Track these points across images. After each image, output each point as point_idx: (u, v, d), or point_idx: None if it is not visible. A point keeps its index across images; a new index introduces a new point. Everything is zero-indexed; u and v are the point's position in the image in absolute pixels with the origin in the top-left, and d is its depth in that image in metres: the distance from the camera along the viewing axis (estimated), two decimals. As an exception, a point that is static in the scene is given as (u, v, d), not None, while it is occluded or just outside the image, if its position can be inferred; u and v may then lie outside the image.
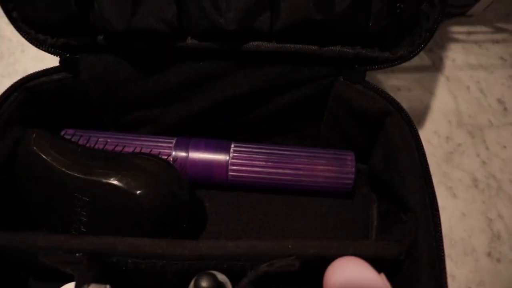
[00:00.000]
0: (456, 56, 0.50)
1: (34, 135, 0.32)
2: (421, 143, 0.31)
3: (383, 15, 0.30)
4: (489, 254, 0.40)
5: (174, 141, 0.37)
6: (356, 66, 0.33)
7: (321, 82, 0.34)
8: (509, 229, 0.41)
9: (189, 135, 0.37)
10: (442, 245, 0.27)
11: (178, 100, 0.35)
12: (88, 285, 0.24)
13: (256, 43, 0.31)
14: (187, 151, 0.37)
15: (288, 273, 0.26)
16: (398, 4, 0.29)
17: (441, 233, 0.27)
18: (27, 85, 0.32)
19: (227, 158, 0.37)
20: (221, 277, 0.26)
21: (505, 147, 0.45)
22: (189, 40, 0.31)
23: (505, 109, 0.47)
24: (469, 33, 0.51)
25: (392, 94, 0.32)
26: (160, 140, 0.37)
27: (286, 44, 0.31)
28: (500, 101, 0.47)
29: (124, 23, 0.29)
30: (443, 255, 0.27)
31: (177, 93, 0.35)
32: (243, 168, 0.37)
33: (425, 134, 0.45)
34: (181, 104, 0.36)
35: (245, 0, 0.29)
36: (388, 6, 0.30)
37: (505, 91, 0.48)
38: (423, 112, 0.46)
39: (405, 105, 0.32)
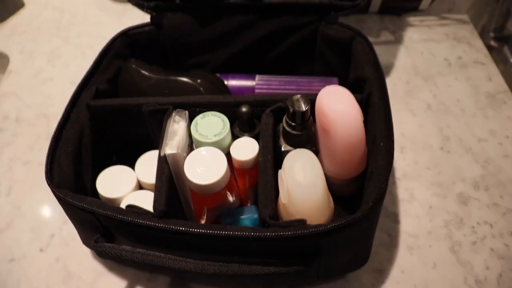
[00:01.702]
0: (413, 35, 0.70)
1: (133, 60, 0.52)
2: (375, 51, 0.49)
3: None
4: (441, 148, 0.56)
5: (218, 76, 0.56)
6: (332, 12, 0.52)
7: (310, 27, 0.53)
8: (456, 134, 0.58)
9: (228, 71, 0.56)
10: (388, 98, 0.44)
11: (222, 45, 0.55)
12: (174, 114, 0.43)
13: (269, -1, 0.52)
14: (227, 81, 0.56)
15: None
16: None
17: (386, 91, 0.44)
18: (129, 33, 0.53)
19: (253, 84, 0.55)
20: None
21: (450, 86, 0.63)
22: (230, -1, 0.52)
23: (449, 64, 0.66)
24: (422, 21, 0.72)
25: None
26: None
27: (287, -2, 0.52)
28: (445, 59, 0.66)
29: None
30: (389, 104, 0.43)
31: (221, 40, 0.54)
32: (264, 90, 0.55)
33: (392, 80, 0.63)
34: (224, 49, 0.55)
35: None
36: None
37: (449, 54, 0.67)
38: (391, 68, 0.65)
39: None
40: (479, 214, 0.50)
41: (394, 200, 0.51)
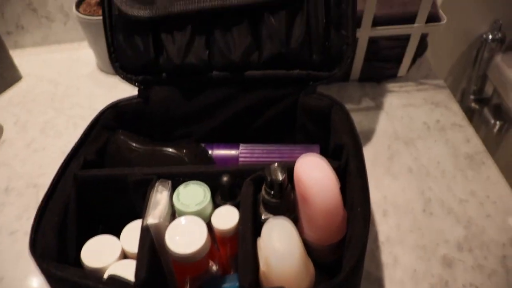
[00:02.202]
0: (392, 101, 0.73)
1: (120, 131, 0.54)
2: (351, 119, 0.51)
3: (320, 50, 0.53)
4: (424, 211, 0.57)
5: (203, 146, 0.58)
6: (310, 83, 0.55)
7: (291, 98, 0.56)
8: (437, 196, 0.59)
9: (212, 141, 0.58)
10: (364, 165, 0.45)
11: (207, 117, 0.57)
12: (157, 184, 0.44)
13: (250, 72, 0.54)
14: (212, 150, 0.57)
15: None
16: (326, 43, 0.53)
17: (362, 158, 0.46)
18: (117, 106, 0.55)
19: (237, 153, 0.57)
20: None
21: (429, 148, 0.65)
22: (214, 72, 0.55)
23: (428, 127, 0.68)
24: (401, 87, 0.75)
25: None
26: (194, 145, 0.59)
27: (267, 71, 0.54)
28: (424, 123, 0.69)
29: (179, 60, 0.52)
30: (365, 170, 0.45)
31: (206, 111, 0.57)
32: (248, 159, 0.57)
33: (373, 145, 0.66)
34: (209, 120, 0.58)
35: (244, 45, 0.52)
36: (322, 45, 0.53)
37: (427, 118, 0.69)
38: (372, 134, 0.67)
39: (359, 130, 0.51)
40: (464, 276, 0.50)
41: (378, 265, 0.51)
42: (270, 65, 0.54)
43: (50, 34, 0.92)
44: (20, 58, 0.90)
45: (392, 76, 0.75)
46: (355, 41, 0.54)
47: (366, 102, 0.73)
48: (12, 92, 0.83)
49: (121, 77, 0.55)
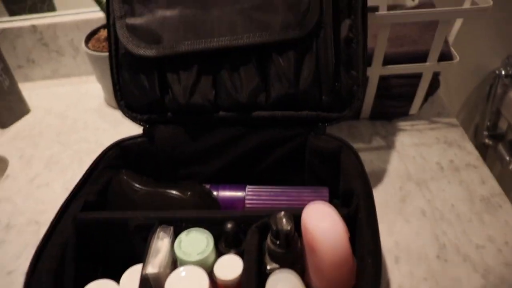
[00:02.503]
0: (404, 140, 0.71)
1: (124, 171, 0.52)
2: (362, 162, 0.49)
3: (330, 91, 0.52)
4: (438, 257, 0.54)
5: (209, 186, 0.56)
6: (320, 124, 0.54)
7: (299, 139, 0.55)
8: (452, 241, 0.56)
9: (218, 182, 0.57)
10: (375, 213, 0.43)
11: (213, 157, 0.56)
12: (159, 230, 0.42)
13: (258, 112, 0.53)
14: (217, 192, 0.56)
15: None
16: (336, 84, 0.52)
17: (373, 205, 0.44)
18: (121, 144, 0.54)
19: (244, 195, 0.55)
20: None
21: (443, 190, 0.62)
22: (221, 113, 0.53)
23: (441, 168, 0.66)
24: (413, 125, 0.73)
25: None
26: (199, 186, 0.57)
27: (275, 112, 0.53)
28: (437, 163, 0.66)
29: (185, 100, 0.51)
30: (376, 218, 0.43)
31: (212, 151, 0.55)
32: (255, 202, 0.55)
33: (384, 186, 0.63)
34: (214, 160, 0.56)
35: (251, 86, 0.51)
36: (331, 86, 0.52)
37: (440, 158, 0.67)
38: (383, 174, 0.65)
39: (368, 170, 0.50)
40: (482, 331, 0.47)
41: (390, 317, 0.49)
42: (278, 106, 0.52)
43: (60, 67, 0.92)
44: (30, 91, 0.91)
45: (404, 114, 0.74)
46: (366, 81, 0.52)
47: (377, 141, 0.71)
48: (20, 125, 0.83)
49: (126, 115, 0.55)
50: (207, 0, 0.50)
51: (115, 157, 0.54)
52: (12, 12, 0.94)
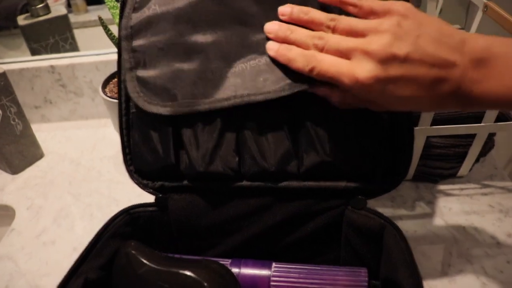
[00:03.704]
0: (452, 206, 0.62)
1: (132, 243, 0.46)
2: (410, 248, 0.41)
3: (372, 159, 0.45)
4: None
5: (229, 262, 0.49)
6: (359, 196, 0.46)
7: (335, 211, 0.47)
8: None
9: (240, 256, 0.49)
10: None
11: (235, 230, 0.48)
12: None
13: (288, 182, 0.46)
14: (239, 268, 0.48)
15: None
16: (380, 150, 0.44)
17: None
18: (130, 211, 0.47)
19: (269, 273, 0.48)
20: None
21: (501, 272, 0.53)
22: (244, 182, 0.46)
23: (497, 243, 0.57)
24: (461, 189, 0.65)
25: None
26: (219, 260, 0.49)
27: (308, 182, 0.46)
28: (492, 237, 0.57)
29: (203, 167, 0.45)
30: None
31: (234, 223, 0.48)
32: (282, 283, 0.47)
33: (430, 263, 0.55)
34: (237, 232, 0.49)
35: (281, 152, 0.44)
36: (373, 153, 0.45)
37: (495, 230, 0.58)
38: (429, 248, 0.57)
39: (412, 244, 0.43)
40: None
41: None
42: (311, 176, 0.45)
43: (77, 108, 0.88)
44: (47, 132, 0.86)
45: (451, 176, 0.65)
46: (412, 148, 0.45)
47: (422, 207, 0.62)
48: (32, 171, 0.78)
49: (135, 182, 0.48)
50: (229, 53, 0.44)
51: (124, 224, 0.47)
52: (34, 51, 0.91)
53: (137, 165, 0.48)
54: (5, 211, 0.72)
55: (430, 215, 0.61)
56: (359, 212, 0.46)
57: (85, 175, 0.75)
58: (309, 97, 0.43)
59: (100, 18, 0.66)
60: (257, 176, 0.46)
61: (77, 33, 0.96)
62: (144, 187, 0.48)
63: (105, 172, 0.75)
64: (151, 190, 0.48)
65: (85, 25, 1.08)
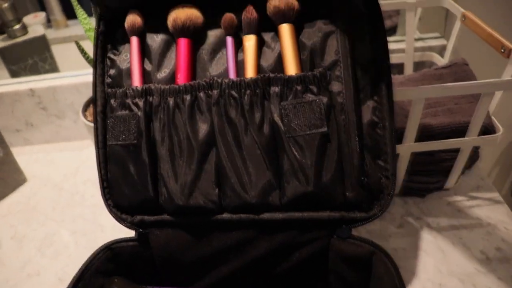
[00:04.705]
0: (440, 221, 0.62)
1: (115, 280, 0.45)
2: (400, 274, 0.41)
3: (355, 186, 0.44)
4: None
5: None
6: (344, 225, 0.45)
7: (320, 242, 0.46)
8: None
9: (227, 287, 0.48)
10: None
11: (218, 263, 0.47)
12: None
13: (270, 214, 0.45)
14: (223, 303, 0.47)
15: None
16: (362, 178, 0.44)
17: None
18: (112, 247, 0.46)
19: (256, 307, 0.47)
20: None
21: (493, 290, 0.53)
22: (226, 214, 0.45)
23: (487, 258, 0.56)
24: (449, 203, 0.64)
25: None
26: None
27: (291, 213, 0.45)
28: (482, 252, 0.57)
29: (183, 201, 0.44)
30: None
31: (217, 256, 0.47)
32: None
33: (420, 283, 0.54)
34: (221, 265, 0.48)
35: (262, 183, 0.43)
36: (357, 180, 0.44)
37: (485, 244, 0.58)
38: (419, 267, 0.56)
39: (402, 263, 0.42)
40: None
41: None
42: (294, 207, 0.44)
43: (60, 130, 0.86)
44: (29, 155, 0.85)
45: (438, 189, 0.65)
46: (395, 173, 0.44)
47: (410, 224, 0.62)
48: (14, 197, 0.76)
49: (113, 217, 0.47)
50: None
51: (106, 260, 0.46)
52: (13, 73, 0.89)
53: (116, 199, 0.47)
54: (-12, 241, 0.70)
55: (418, 231, 0.60)
56: (345, 240, 0.45)
57: (69, 200, 0.74)
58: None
59: (77, 43, 0.65)
60: (239, 209, 0.45)
61: (57, 48, 0.94)
62: (123, 222, 0.47)
63: (88, 196, 0.74)
64: (130, 225, 0.47)
65: (65, 40, 1.06)
